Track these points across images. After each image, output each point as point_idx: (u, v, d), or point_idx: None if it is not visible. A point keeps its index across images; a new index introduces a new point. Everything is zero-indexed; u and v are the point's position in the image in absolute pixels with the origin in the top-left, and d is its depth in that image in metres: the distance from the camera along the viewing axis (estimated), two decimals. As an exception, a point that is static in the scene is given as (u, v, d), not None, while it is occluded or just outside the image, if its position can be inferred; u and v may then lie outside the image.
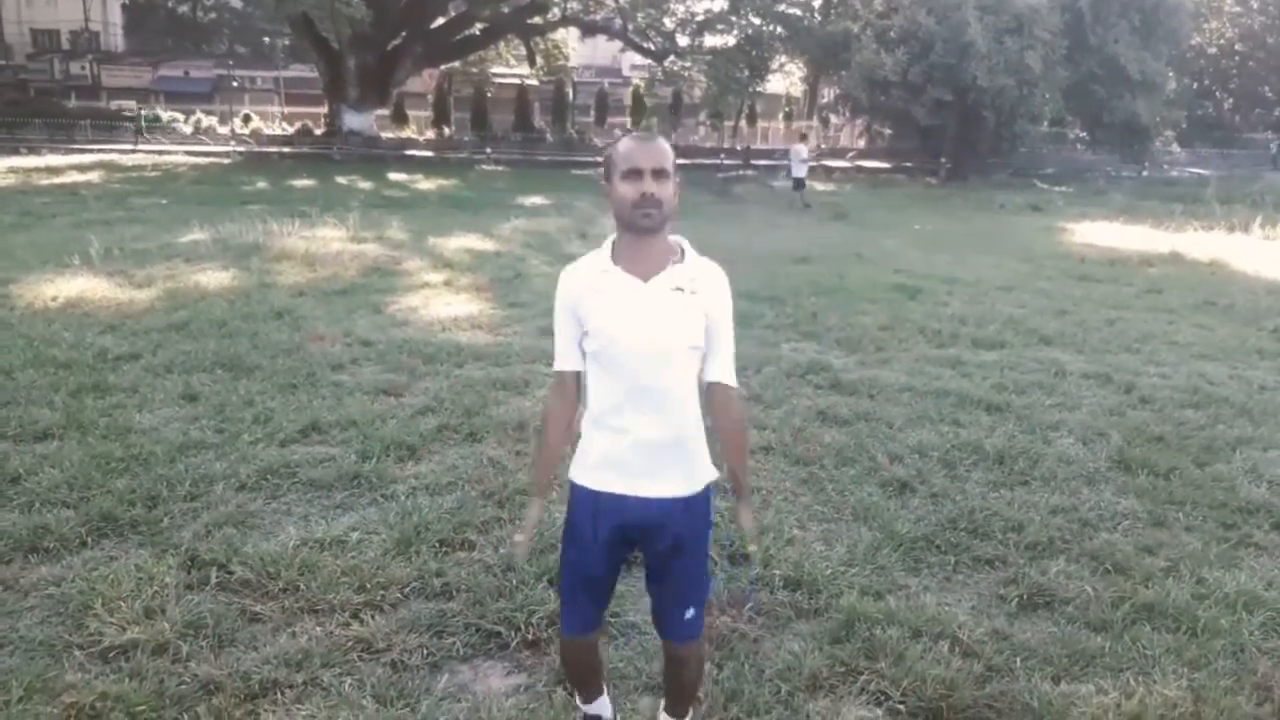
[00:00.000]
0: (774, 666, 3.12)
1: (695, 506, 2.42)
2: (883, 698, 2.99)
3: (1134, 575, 3.81)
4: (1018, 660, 3.20)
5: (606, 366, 2.35)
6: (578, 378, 2.46)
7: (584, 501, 2.43)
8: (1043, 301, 9.96)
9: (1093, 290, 10.96)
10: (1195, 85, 47.78)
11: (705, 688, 2.93)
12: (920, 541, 4.06)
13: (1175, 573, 3.85)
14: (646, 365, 2.30)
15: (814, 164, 26.63)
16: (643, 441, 2.34)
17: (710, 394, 2.44)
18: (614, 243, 2.37)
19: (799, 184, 22.08)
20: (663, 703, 2.78)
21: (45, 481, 4.27)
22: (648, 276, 2.31)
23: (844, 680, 3.07)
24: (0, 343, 6.59)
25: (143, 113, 38.43)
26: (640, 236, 2.30)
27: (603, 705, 2.77)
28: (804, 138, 26.96)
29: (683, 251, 2.37)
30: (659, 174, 2.26)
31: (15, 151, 29.13)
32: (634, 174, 2.26)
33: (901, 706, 2.95)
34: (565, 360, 2.44)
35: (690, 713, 2.75)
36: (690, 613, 2.50)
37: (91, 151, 30.48)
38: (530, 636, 3.23)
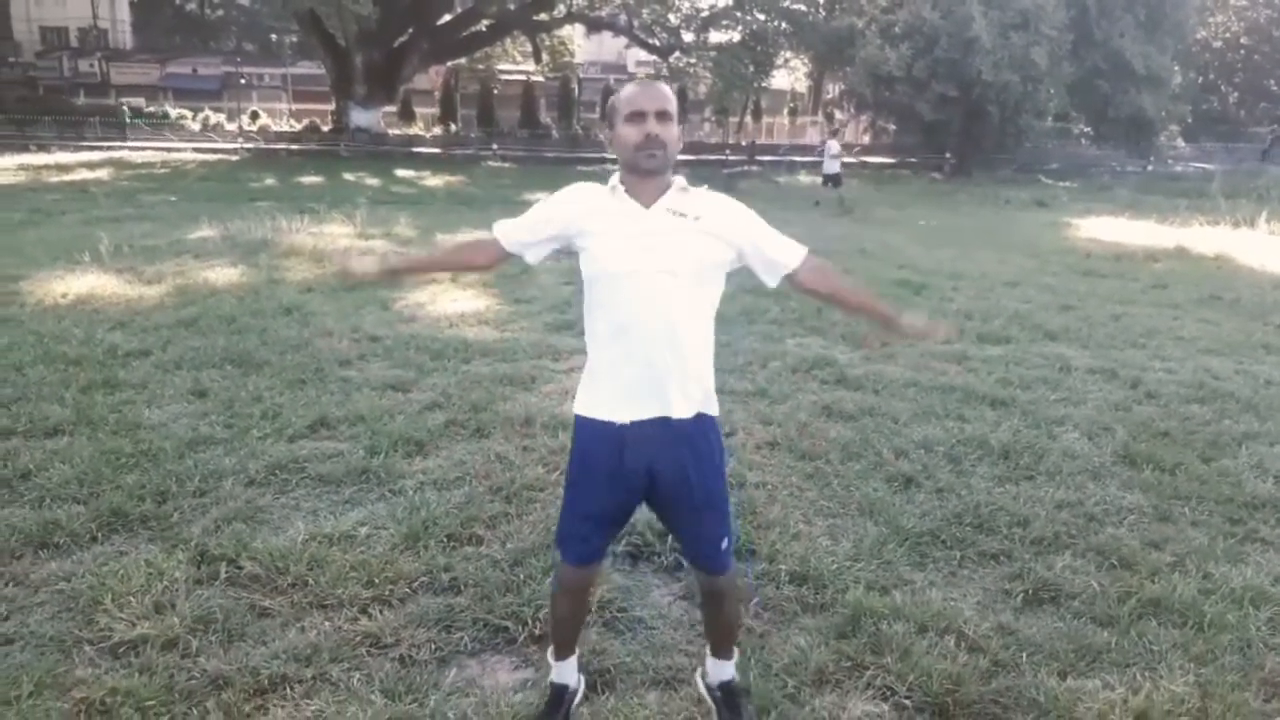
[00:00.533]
0: (780, 661, 3.13)
1: (704, 430, 2.44)
2: (889, 693, 3.00)
3: (1140, 570, 3.81)
4: (1024, 655, 3.21)
5: (606, 291, 2.36)
6: (501, 258, 2.53)
7: (590, 433, 2.43)
8: (1048, 297, 9.95)
9: (1098, 285, 10.94)
10: (1200, 79, 47.59)
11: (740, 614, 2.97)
12: (926, 536, 4.07)
13: (1181, 568, 3.85)
14: (646, 289, 2.31)
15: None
16: (645, 367, 2.34)
17: (798, 280, 2.47)
18: (618, 179, 2.39)
19: (835, 180, 21.89)
20: (707, 649, 2.83)
21: (56, 477, 4.30)
22: (649, 204, 2.35)
23: (850, 675, 3.08)
24: (11, 339, 6.62)
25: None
26: (644, 178, 2.33)
27: (569, 670, 2.79)
28: (836, 133, 26.67)
29: (685, 184, 2.39)
30: (662, 116, 2.29)
31: (25, 149, 29.21)
32: (638, 116, 2.29)
33: (908, 701, 2.96)
34: (512, 237, 2.50)
35: (735, 654, 2.80)
36: (725, 542, 2.53)
37: (101, 149, 30.57)
38: (538, 631, 3.24)
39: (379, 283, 2.57)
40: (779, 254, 2.46)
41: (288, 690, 2.91)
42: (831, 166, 21.88)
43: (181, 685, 2.89)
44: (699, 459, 2.44)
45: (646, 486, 2.46)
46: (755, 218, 2.46)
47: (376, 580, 3.52)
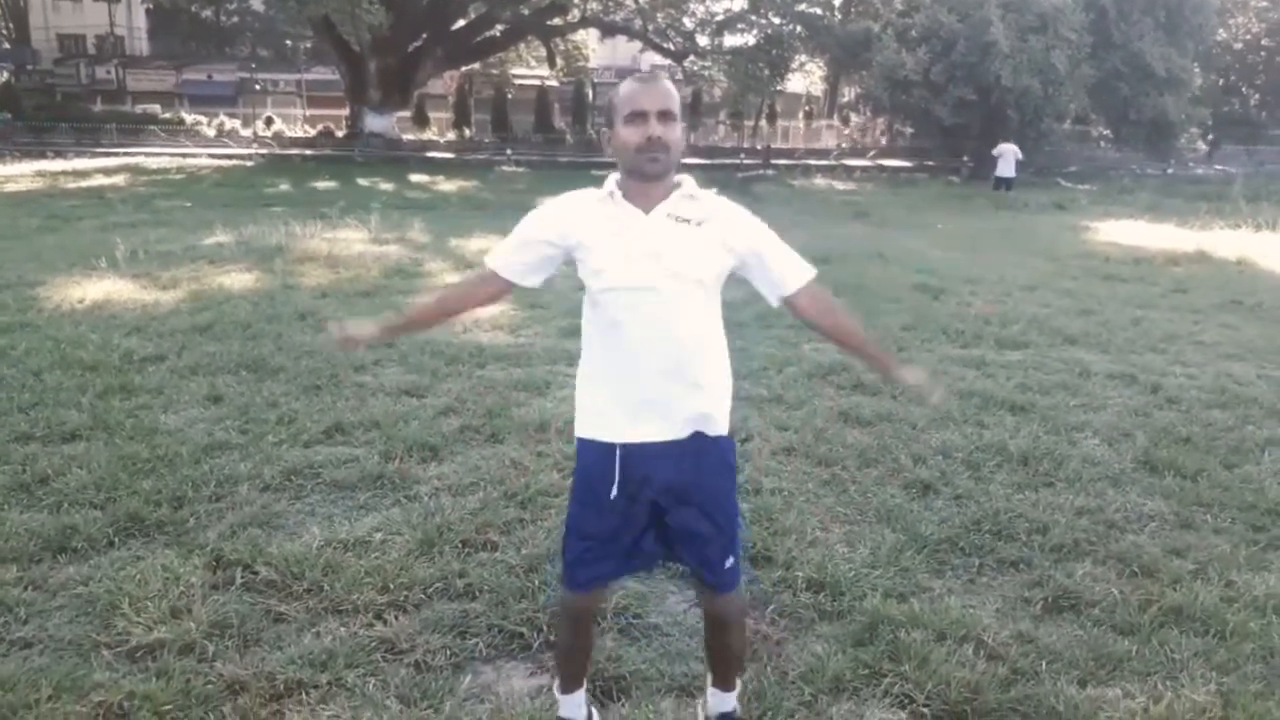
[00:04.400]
0: (797, 669, 3.11)
1: (713, 447, 2.32)
2: (907, 701, 2.97)
3: (1161, 578, 3.77)
4: (1043, 664, 3.17)
5: (604, 304, 2.23)
6: (503, 288, 2.38)
7: (591, 453, 2.32)
8: (1067, 301, 9.88)
9: (1117, 289, 10.86)
10: (1221, 82, 47.22)
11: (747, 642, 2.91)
12: (944, 543, 4.03)
13: (1203, 575, 3.80)
14: (647, 302, 2.19)
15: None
16: (648, 384, 2.23)
17: (797, 304, 2.35)
18: (615, 183, 2.26)
19: (1007, 184, 22.35)
20: (709, 678, 2.73)
21: (73, 482, 4.32)
22: (649, 209, 2.20)
23: (868, 683, 3.05)
24: (28, 344, 6.67)
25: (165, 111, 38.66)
26: (645, 183, 2.19)
27: (576, 704, 2.70)
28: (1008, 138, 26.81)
29: (688, 184, 2.25)
30: (665, 116, 2.14)
31: (43, 155, 29.54)
32: (638, 116, 2.13)
33: (926, 710, 2.93)
34: (506, 264, 2.35)
35: (738, 685, 2.71)
36: (730, 561, 2.41)
37: (117, 155, 30.81)
38: (553, 638, 3.23)
39: (380, 343, 2.48)
40: (783, 271, 2.32)
41: (303, 695, 2.90)
42: (1009, 169, 23.02)
43: (198, 690, 2.89)
44: (702, 474, 2.32)
45: (652, 507, 2.33)
46: (763, 227, 2.32)
47: (391, 586, 3.51)
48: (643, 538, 2.40)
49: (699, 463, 2.32)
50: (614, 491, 2.30)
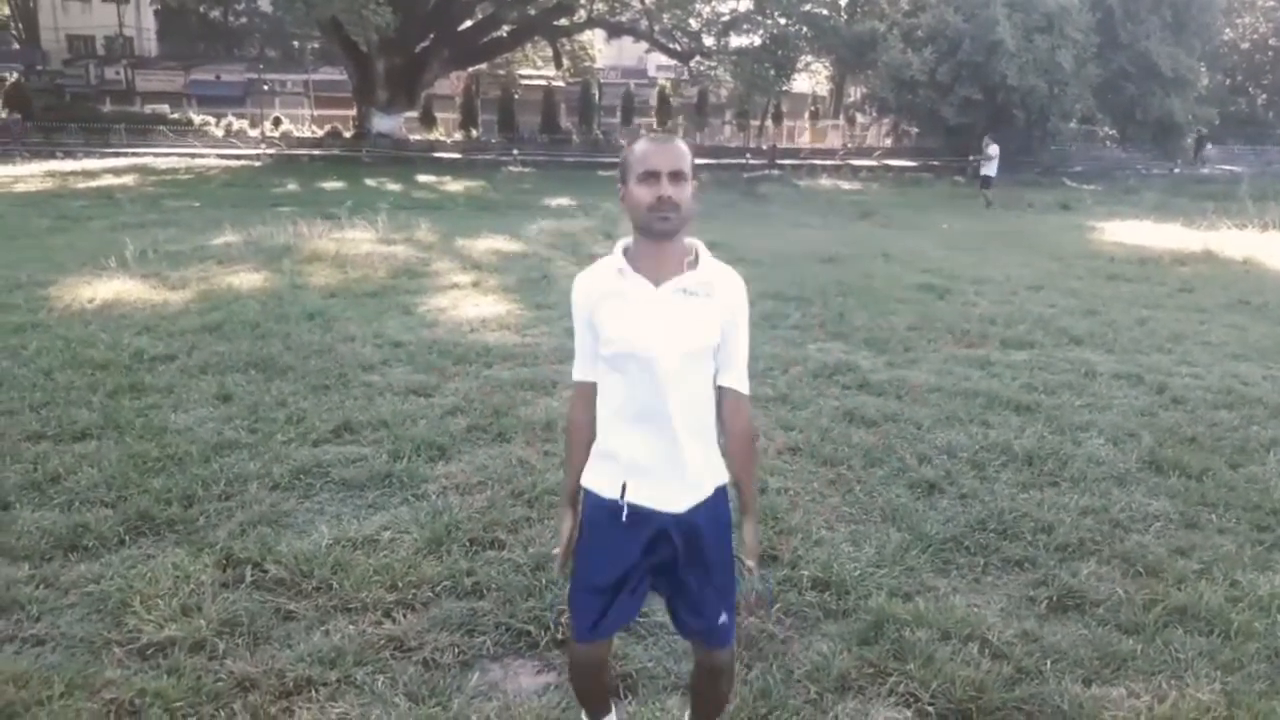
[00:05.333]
0: (803, 667, 3.13)
1: (713, 509, 2.38)
2: (912, 699, 2.99)
3: (1166, 577, 3.78)
4: (1048, 663, 3.19)
5: (619, 371, 2.30)
6: (596, 388, 2.42)
7: (596, 505, 2.39)
8: (1072, 301, 9.88)
9: (1123, 289, 10.85)
10: (1228, 81, 47.06)
11: (734, 688, 2.93)
12: (949, 543, 4.05)
13: (1208, 575, 3.81)
14: (658, 370, 2.25)
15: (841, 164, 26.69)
16: (656, 448, 2.29)
17: (720, 399, 2.38)
18: (628, 246, 2.32)
19: (988, 182, 22.38)
20: (687, 715, 2.74)
21: (84, 481, 4.36)
22: (659, 281, 2.26)
23: (873, 681, 3.08)
24: (39, 344, 6.71)
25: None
26: (656, 240, 2.25)
27: None
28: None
29: (698, 255, 2.31)
30: (676, 176, 2.19)
31: (52, 156, 29.66)
32: (650, 176, 2.19)
33: (931, 708, 2.95)
34: (584, 371, 2.42)
35: None
36: (724, 618, 2.45)
37: (126, 155, 30.92)
38: (560, 636, 3.25)
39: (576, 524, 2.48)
40: (731, 367, 2.37)
41: (313, 693, 2.93)
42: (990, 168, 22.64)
43: (209, 687, 2.92)
44: (702, 539, 2.38)
45: (652, 555, 2.38)
46: (746, 311, 2.38)
47: (400, 584, 3.54)
48: (642, 583, 2.45)
49: (698, 528, 2.37)
50: (616, 539, 2.36)
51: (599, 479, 2.40)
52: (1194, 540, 4.16)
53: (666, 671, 3.12)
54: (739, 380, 2.39)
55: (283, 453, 4.83)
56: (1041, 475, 4.85)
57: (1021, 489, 4.66)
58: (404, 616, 3.35)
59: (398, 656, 3.14)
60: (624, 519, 2.34)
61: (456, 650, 3.19)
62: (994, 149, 22.82)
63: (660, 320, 2.25)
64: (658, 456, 2.31)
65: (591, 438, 2.45)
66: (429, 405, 5.69)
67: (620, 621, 2.54)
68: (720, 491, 2.41)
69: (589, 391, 2.43)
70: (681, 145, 2.27)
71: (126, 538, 3.88)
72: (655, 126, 42.74)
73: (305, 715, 2.84)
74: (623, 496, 2.34)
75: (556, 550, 2.55)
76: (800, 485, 4.64)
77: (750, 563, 2.51)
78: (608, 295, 2.30)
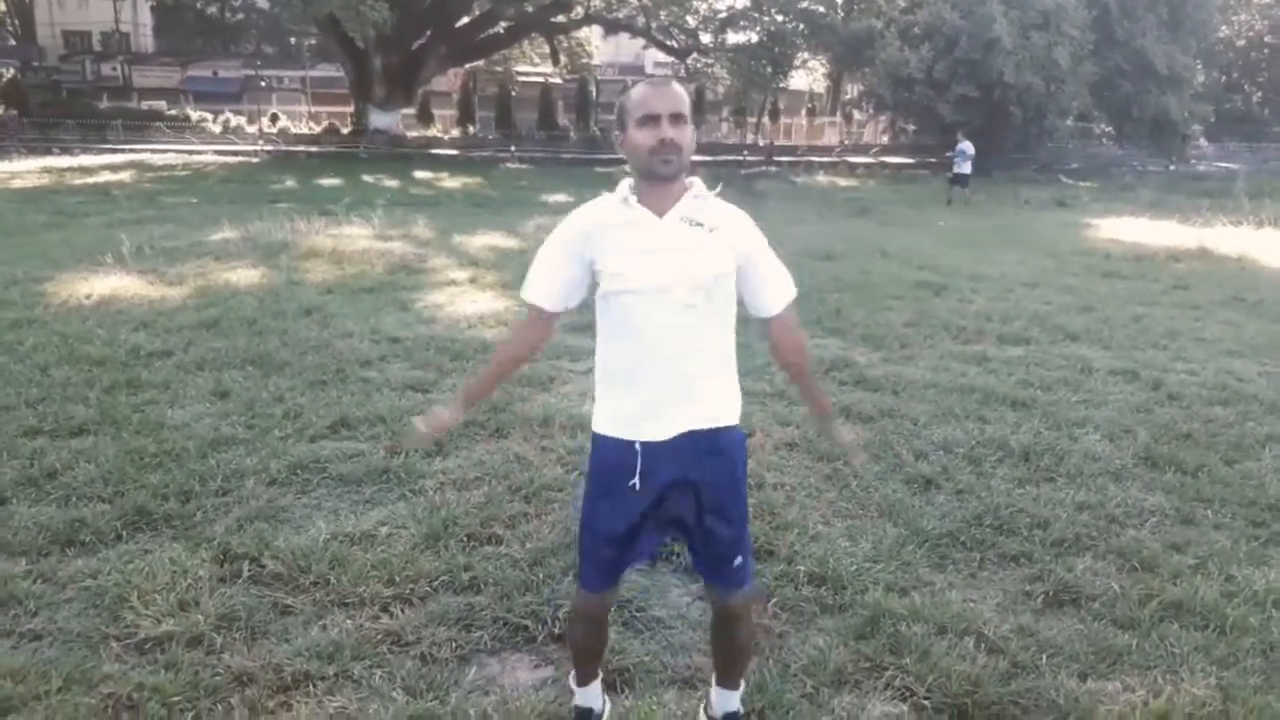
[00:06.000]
0: (799, 662, 3.14)
1: (724, 444, 2.37)
2: (908, 694, 3.00)
3: (1162, 573, 3.79)
4: (1044, 657, 3.20)
5: (623, 307, 2.28)
6: (550, 321, 2.40)
7: (608, 450, 2.36)
8: (1068, 298, 9.89)
9: (1119, 286, 10.87)
10: (1224, 79, 47.12)
11: (755, 638, 2.93)
12: (945, 538, 4.06)
13: (1204, 570, 3.82)
14: (664, 305, 2.24)
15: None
16: (665, 384, 2.28)
17: (770, 329, 2.43)
18: (629, 188, 2.31)
19: (962, 180, 22.06)
20: (714, 677, 2.75)
21: (81, 476, 4.36)
22: (663, 212, 2.26)
23: (869, 676, 3.08)
24: (36, 340, 6.70)
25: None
26: (657, 183, 2.25)
27: (593, 694, 2.75)
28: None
29: (698, 188, 2.31)
30: (676, 118, 2.20)
31: (49, 152, 29.58)
32: (650, 119, 2.20)
33: (927, 702, 2.96)
34: (545, 294, 2.36)
35: (742, 685, 2.73)
36: (739, 560, 2.45)
37: (123, 151, 30.86)
38: (557, 630, 3.26)
39: (458, 422, 2.46)
40: (769, 293, 2.40)
41: (310, 687, 2.94)
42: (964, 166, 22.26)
43: (206, 682, 2.92)
44: (718, 473, 2.37)
45: (665, 502, 2.37)
46: (763, 240, 2.39)
47: (397, 579, 3.55)
48: (651, 533, 2.46)
49: (714, 461, 2.37)
50: (635, 482, 2.33)
51: (610, 419, 2.36)
52: (1189, 536, 4.17)
53: (664, 666, 3.13)
54: (780, 302, 2.43)
55: (280, 448, 4.83)
56: (1038, 471, 4.86)
57: (1018, 484, 4.67)
58: (401, 611, 3.35)
59: (395, 651, 3.15)
60: (636, 457, 2.31)
61: (454, 645, 3.19)
62: (968, 146, 22.51)
63: (666, 249, 2.24)
64: (667, 393, 2.29)
65: (520, 361, 2.47)
66: (427, 401, 5.68)
67: (628, 566, 2.54)
68: (738, 431, 2.41)
69: (540, 317, 2.40)
70: (679, 88, 2.28)
71: (124, 533, 3.88)
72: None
73: (303, 710, 2.84)
74: (632, 438, 2.32)
75: (420, 423, 2.48)
76: (797, 480, 4.64)
77: (858, 459, 2.57)
78: (612, 227, 2.28)
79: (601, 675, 2.81)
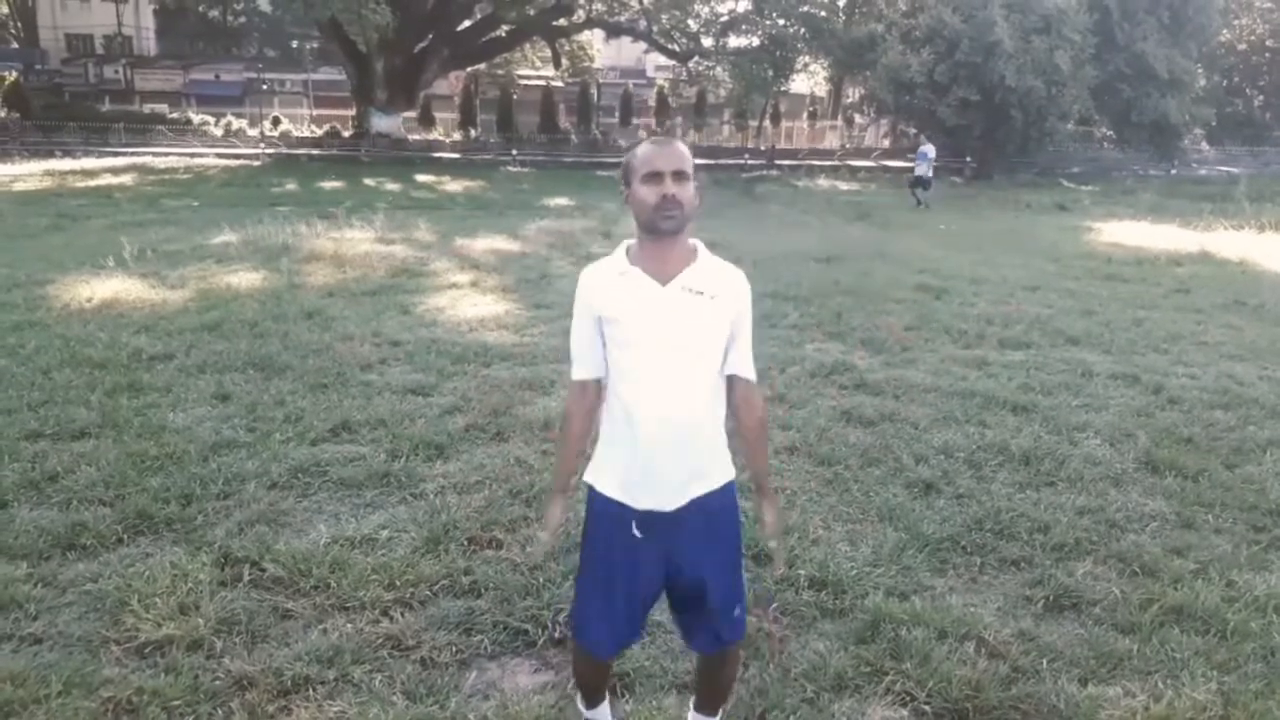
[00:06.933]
0: (799, 666, 3.14)
1: (720, 503, 2.42)
2: (908, 698, 3.00)
3: (1162, 577, 3.79)
4: (1044, 662, 3.20)
5: (625, 374, 2.35)
6: (598, 385, 2.45)
7: (604, 509, 2.42)
8: (1069, 301, 9.89)
9: (1120, 290, 10.87)
10: (1225, 83, 47.07)
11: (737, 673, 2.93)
12: (946, 542, 4.06)
13: (1204, 575, 3.82)
14: (665, 368, 2.30)
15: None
16: (663, 445, 2.32)
17: (730, 388, 2.44)
18: (632, 246, 2.37)
19: (925, 184, 22.02)
20: (692, 700, 2.77)
21: (82, 479, 4.36)
22: (666, 279, 2.30)
23: (869, 680, 3.08)
24: (37, 343, 6.71)
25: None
26: (660, 239, 2.30)
27: (603, 714, 2.77)
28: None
29: (700, 254, 2.36)
30: (679, 176, 2.26)
31: (51, 155, 29.63)
32: (654, 177, 2.26)
33: (927, 707, 2.96)
34: (585, 368, 2.44)
35: (721, 712, 2.75)
36: (737, 610, 2.49)
37: (125, 154, 30.90)
38: (558, 635, 3.26)
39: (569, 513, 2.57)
40: (737, 355, 2.42)
41: (310, 691, 2.94)
42: (924, 169, 22.19)
43: (206, 686, 2.93)
44: (715, 539, 2.43)
45: (664, 565, 2.42)
46: (749, 312, 2.43)
47: (398, 583, 3.55)
48: (655, 589, 2.49)
49: (709, 528, 2.42)
50: (628, 546, 2.39)
51: (606, 480, 2.42)
52: (1190, 540, 4.17)
53: (664, 670, 3.13)
54: (746, 367, 2.44)
55: (281, 452, 4.83)
56: (1038, 475, 4.86)
57: (1018, 489, 4.67)
58: (401, 615, 3.35)
59: (395, 655, 3.15)
60: (635, 530, 2.37)
61: (454, 649, 3.19)
62: (930, 149, 22.43)
63: (667, 321, 2.29)
64: (664, 462, 2.34)
65: (588, 431, 2.49)
66: (427, 404, 5.69)
67: (628, 640, 2.60)
68: (730, 485, 2.45)
69: (588, 389, 2.46)
70: (682, 146, 2.34)
71: (124, 536, 3.88)
72: (654, 127, 42.77)
73: (303, 714, 2.84)
74: (629, 504, 2.37)
75: (543, 534, 2.60)
76: (797, 484, 4.64)
77: (774, 543, 2.61)
78: (613, 293, 2.34)
79: (608, 697, 2.81)
